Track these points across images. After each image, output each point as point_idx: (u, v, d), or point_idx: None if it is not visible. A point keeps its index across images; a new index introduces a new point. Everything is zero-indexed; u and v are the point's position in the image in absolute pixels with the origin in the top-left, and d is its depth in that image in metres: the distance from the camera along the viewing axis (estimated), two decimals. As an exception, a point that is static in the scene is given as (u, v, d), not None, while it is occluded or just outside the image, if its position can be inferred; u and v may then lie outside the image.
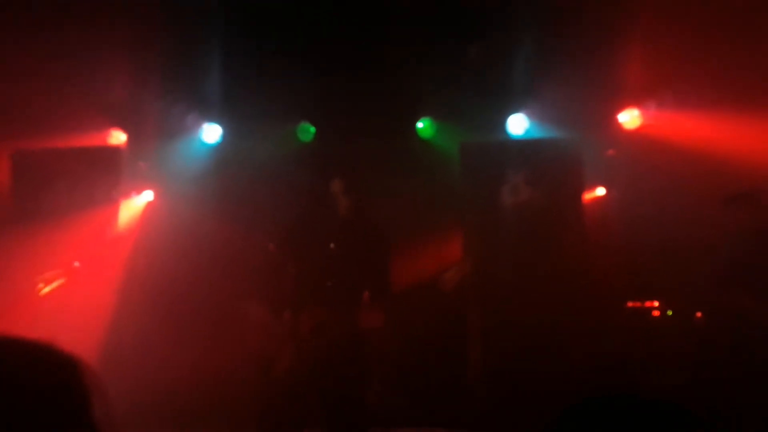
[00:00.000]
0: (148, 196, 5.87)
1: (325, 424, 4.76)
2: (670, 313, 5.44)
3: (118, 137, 5.85)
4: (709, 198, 4.91)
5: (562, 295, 5.54)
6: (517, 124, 5.59)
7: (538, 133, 5.62)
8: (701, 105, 5.18)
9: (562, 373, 5.07)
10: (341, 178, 4.92)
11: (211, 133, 5.78)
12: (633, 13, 5.14)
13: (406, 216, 5.59)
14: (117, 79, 5.59)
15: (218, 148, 5.82)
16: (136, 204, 5.88)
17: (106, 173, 5.76)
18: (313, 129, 5.77)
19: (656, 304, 5.50)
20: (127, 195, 5.84)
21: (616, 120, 5.55)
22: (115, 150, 5.87)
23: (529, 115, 5.57)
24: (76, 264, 5.53)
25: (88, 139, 5.78)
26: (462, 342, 5.75)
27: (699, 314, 5.34)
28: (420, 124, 5.72)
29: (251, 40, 5.54)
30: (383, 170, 5.55)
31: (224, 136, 5.80)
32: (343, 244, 4.72)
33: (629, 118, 5.52)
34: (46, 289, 5.34)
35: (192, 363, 5.45)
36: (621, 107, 5.54)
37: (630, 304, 5.57)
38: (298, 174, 5.55)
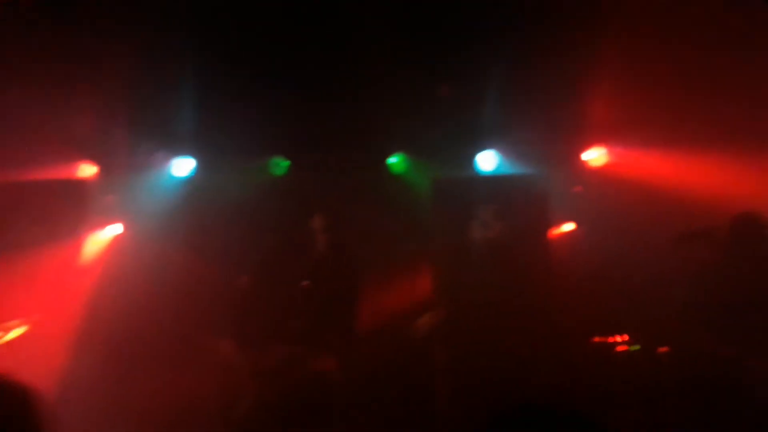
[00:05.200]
0: (116, 229, 5.79)
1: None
2: (636, 347, 5.55)
3: (87, 170, 5.78)
4: (671, 235, 5.09)
5: (529, 330, 5.60)
6: (487, 161, 5.71)
7: (508, 169, 5.74)
8: (663, 145, 5.38)
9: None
10: (316, 215, 4.94)
11: (183, 166, 5.76)
12: (599, 54, 5.34)
13: (377, 252, 5.62)
14: (87, 110, 5.54)
15: (190, 181, 5.79)
16: (102, 238, 5.79)
17: (72, 206, 5.66)
18: (286, 163, 5.80)
19: (622, 338, 5.60)
20: (93, 229, 5.74)
21: (583, 157, 5.72)
22: (82, 183, 5.79)
23: (499, 152, 5.70)
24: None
25: (57, 172, 5.69)
26: (428, 380, 5.75)
27: (664, 350, 5.47)
28: (392, 159, 5.80)
29: (223, 73, 5.56)
30: (356, 206, 5.60)
31: (196, 170, 5.78)
32: (317, 281, 4.71)
33: (596, 155, 5.69)
34: (7, 338, 5.17)
35: (157, 399, 5.33)
36: (588, 145, 5.71)
37: (596, 338, 5.66)
38: (272, 208, 5.56)
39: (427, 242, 5.84)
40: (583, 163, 5.74)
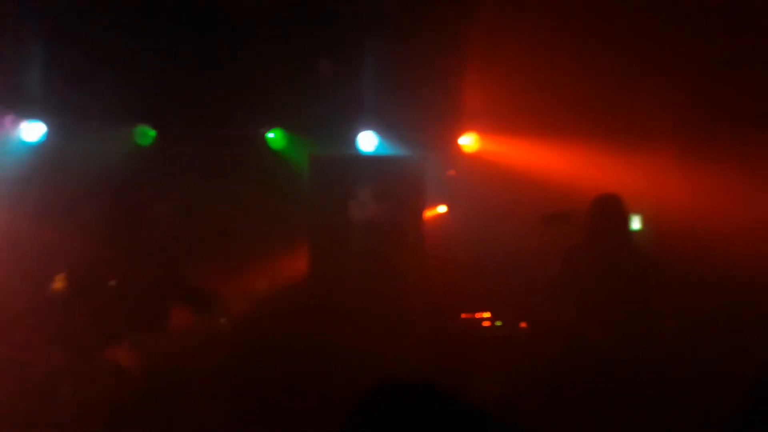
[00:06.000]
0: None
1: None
2: (499, 323, 5.88)
3: None
4: (534, 217, 5.42)
5: (401, 307, 5.73)
6: (367, 141, 5.69)
7: (386, 150, 5.76)
8: (532, 132, 5.68)
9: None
10: (177, 187, 4.68)
11: (32, 130, 5.14)
12: (475, 43, 5.51)
13: (252, 226, 5.44)
14: None
15: (40, 147, 5.19)
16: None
17: None
18: (152, 132, 5.37)
19: (487, 314, 5.91)
20: None
21: (457, 142, 5.89)
22: None
23: (378, 133, 5.70)
24: None
25: None
26: (299, 356, 5.70)
27: (524, 324, 5.85)
28: (270, 134, 5.60)
29: (84, 34, 5.05)
30: (230, 179, 5.36)
31: (48, 135, 5.18)
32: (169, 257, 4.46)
33: (469, 141, 5.88)
34: None
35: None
36: (462, 131, 5.88)
37: (464, 315, 5.92)
38: (133, 179, 5.13)
39: (302, 218, 5.74)
40: (458, 147, 5.91)
